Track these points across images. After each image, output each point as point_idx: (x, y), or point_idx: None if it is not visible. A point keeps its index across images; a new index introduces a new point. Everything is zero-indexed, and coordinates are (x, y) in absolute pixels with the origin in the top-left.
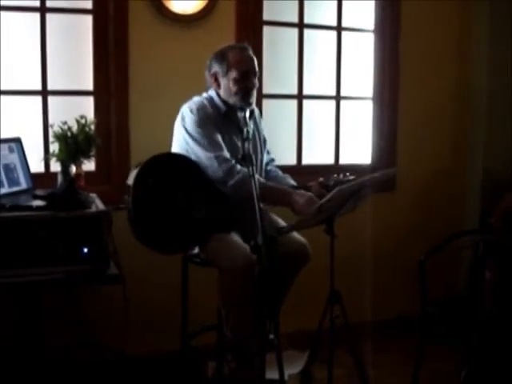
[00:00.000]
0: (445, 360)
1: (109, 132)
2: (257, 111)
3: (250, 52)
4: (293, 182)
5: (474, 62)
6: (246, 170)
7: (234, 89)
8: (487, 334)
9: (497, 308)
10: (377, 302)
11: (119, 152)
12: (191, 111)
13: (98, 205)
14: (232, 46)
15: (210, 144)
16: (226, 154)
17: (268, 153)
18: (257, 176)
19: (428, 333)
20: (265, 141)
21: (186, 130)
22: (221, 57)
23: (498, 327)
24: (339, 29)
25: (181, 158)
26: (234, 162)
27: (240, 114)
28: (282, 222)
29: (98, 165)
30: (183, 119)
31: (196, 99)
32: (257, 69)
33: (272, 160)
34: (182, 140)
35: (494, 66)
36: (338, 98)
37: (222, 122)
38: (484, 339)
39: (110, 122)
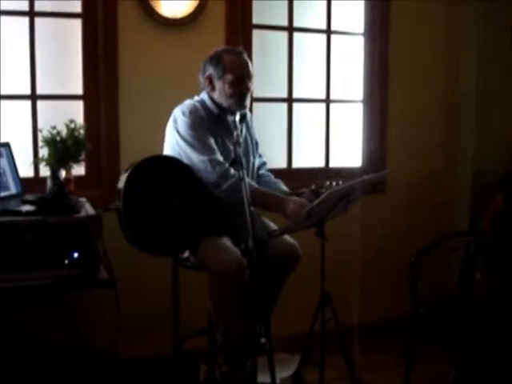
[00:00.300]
0: (436, 361)
1: (99, 136)
2: (249, 115)
3: (246, 56)
4: (285, 188)
5: (463, 65)
6: (240, 174)
7: (229, 92)
8: (478, 335)
9: (487, 309)
10: (368, 304)
11: (109, 156)
12: (183, 114)
13: (88, 209)
14: (228, 49)
15: (202, 147)
16: (219, 157)
17: (260, 156)
18: (249, 180)
19: (419, 334)
20: (257, 144)
21: (179, 132)
22: (216, 60)
23: (488, 328)
24: (329, 32)
25: (172, 161)
26: (227, 165)
27: (230, 118)
28: (273, 226)
29: (87, 169)
30: (175, 122)
31: (188, 102)
32: (252, 73)
33: (264, 164)
34: (174, 143)
35: (483, 69)
36: (327, 101)
37: (214, 125)
38: (475, 340)
39: (99, 126)
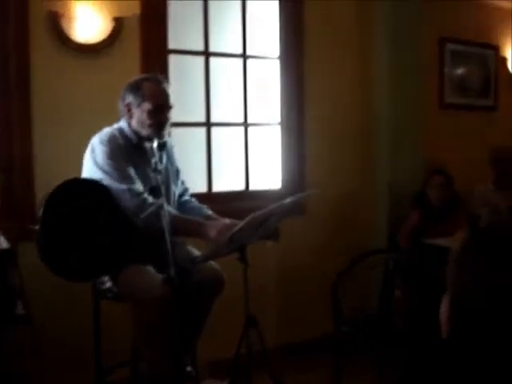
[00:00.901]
0: (364, 376)
1: (11, 165)
2: (169, 142)
3: (166, 85)
4: (209, 212)
5: (377, 85)
6: (160, 203)
7: (147, 121)
8: (398, 349)
9: (406, 324)
10: (294, 325)
11: (23, 186)
12: (101, 142)
13: (1, 243)
14: (148, 77)
15: (121, 176)
16: (138, 186)
17: (182, 183)
18: (169, 208)
19: (343, 351)
20: (178, 172)
21: (96, 162)
22: (136, 88)
23: (407, 343)
24: (244, 56)
25: (93, 185)
26: (146, 194)
27: (149, 145)
28: (197, 253)
29: (0, 200)
30: (93, 151)
31: (106, 130)
32: (171, 102)
33: (186, 190)
34: (92, 172)
35: (396, 89)
36: (245, 124)
37: (133, 154)
38: (396, 354)
39: (12, 154)
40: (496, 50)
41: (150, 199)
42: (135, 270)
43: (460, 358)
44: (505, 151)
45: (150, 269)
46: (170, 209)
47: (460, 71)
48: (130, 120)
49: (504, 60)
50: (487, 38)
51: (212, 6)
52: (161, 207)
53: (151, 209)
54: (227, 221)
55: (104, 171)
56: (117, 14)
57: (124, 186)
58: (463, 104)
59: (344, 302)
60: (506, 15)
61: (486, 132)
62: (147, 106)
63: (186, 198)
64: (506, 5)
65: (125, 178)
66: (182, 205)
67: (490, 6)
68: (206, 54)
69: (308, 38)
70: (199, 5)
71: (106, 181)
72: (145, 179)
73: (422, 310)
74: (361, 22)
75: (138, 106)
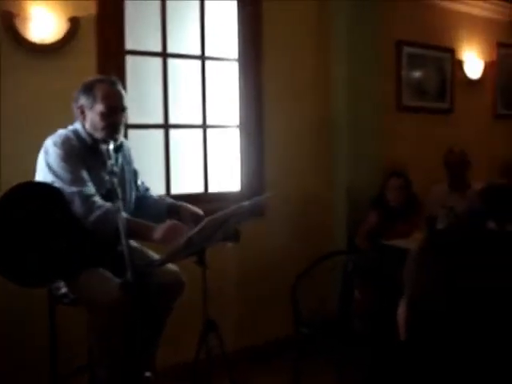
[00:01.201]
0: (323, 377)
1: None
2: (126, 144)
3: (119, 87)
4: (169, 201)
5: (336, 87)
6: (108, 205)
7: (99, 123)
8: (358, 350)
9: (365, 326)
10: (254, 327)
11: None
12: (55, 144)
13: None
14: (101, 78)
15: (72, 179)
16: (89, 189)
17: (142, 183)
18: (121, 212)
19: (303, 353)
20: (136, 173)
21: (49, 164)
22: (88, 89)
23: (367, 344)
24: (203, 58)
25: (47, 188)
26: (96, 197)
27: (104, 147)
28: (154, 255)
29: None
30: (46, 153)
31: (61, 132)
32: (125, 104)
33: (147, 190)
34: (45, 175)
35: (355, 91)
36: (204, 126)
37: (88, 156)
38: (356, 355)
39: None
40: (452, 53)
41: (100, 202)
42: (91, 275)
43: (419, 359)
44: (458, 154)
45: (107, 273)
46: (121, 212)
47: (417, 74)
48: (84, 122)
49: (460, 63)
50: (443, 42)
51: (170, 6)
52: (110, 211)
53: (98, 212)
54: (174, 221)
55: (56, 174)
56: (72, 14)
57: (74, 189)
58: (420, 107)
59: (304, 303)
60: (461, 19)
61: (443, 134)
62: (100, 107)
63: (149, 194)
64: (462, 8)
65: (76, 180)
66: (143, 203)
67: (446, 9)
68: (164, 55)
69: (266, 39)
70: (157, 5)
71: (58, 183)
72: (100, 182)
73: (380, 311)
74: (319, 22)
75: (91, 107)
